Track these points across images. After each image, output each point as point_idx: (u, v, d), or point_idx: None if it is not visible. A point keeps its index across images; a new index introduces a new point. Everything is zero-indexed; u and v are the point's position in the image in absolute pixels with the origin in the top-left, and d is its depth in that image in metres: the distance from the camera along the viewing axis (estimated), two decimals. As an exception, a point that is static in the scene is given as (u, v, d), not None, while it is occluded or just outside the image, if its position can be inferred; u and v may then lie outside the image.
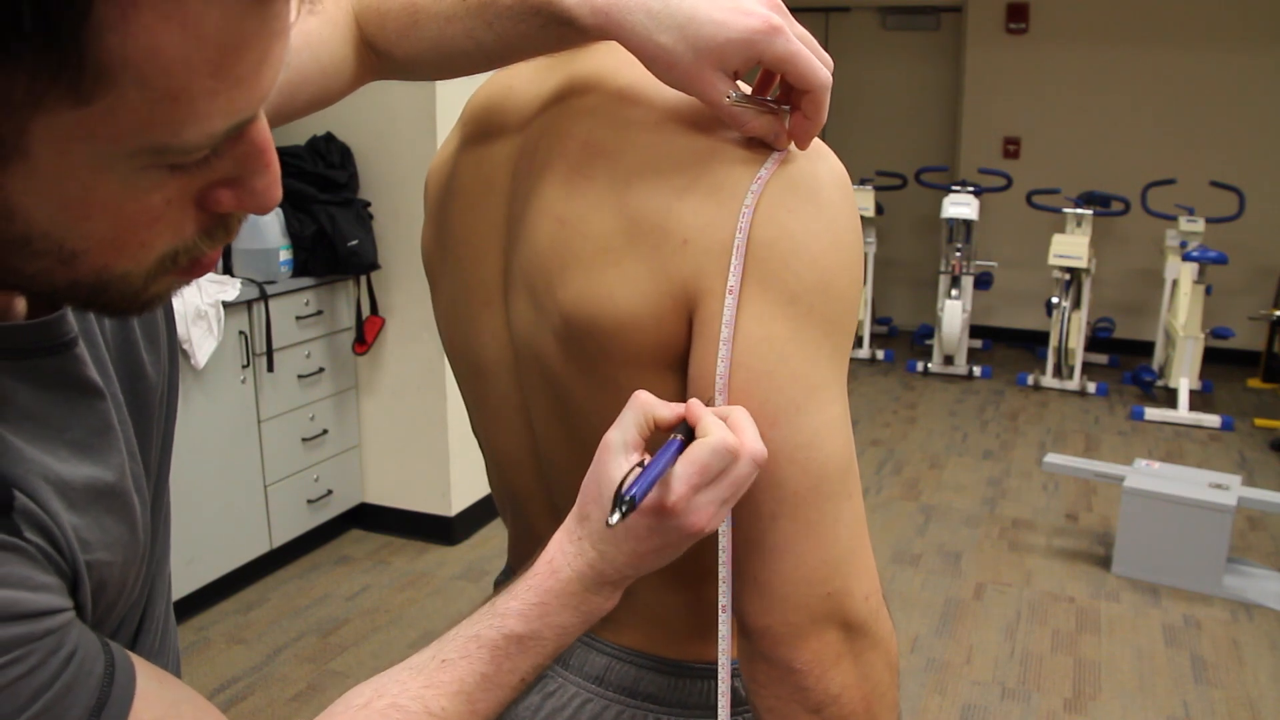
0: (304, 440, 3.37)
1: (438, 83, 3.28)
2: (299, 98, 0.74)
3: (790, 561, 0.62)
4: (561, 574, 0.63)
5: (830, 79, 0.61)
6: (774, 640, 0.63)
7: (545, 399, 0.72)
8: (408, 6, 0.71)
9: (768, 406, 0.60)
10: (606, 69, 0.69)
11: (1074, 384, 5.50)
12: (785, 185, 0.61)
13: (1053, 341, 5.51)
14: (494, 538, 3.67)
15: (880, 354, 6.14)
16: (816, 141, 0.64)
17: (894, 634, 0.67)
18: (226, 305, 2.98)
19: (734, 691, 0.77)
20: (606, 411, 0.68)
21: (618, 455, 0.60)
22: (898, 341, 6.67)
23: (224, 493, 3.07)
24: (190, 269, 0.49)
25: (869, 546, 0.64)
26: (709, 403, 0.62)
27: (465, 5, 0.67)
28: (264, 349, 3.15)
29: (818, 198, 0.62)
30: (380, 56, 0.76)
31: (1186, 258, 5.12)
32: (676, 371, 0.65)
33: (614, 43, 0.70)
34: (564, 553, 0.63)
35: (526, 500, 0.82)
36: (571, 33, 0.64)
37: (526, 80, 0.76)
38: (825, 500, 0.62)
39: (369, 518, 3.71)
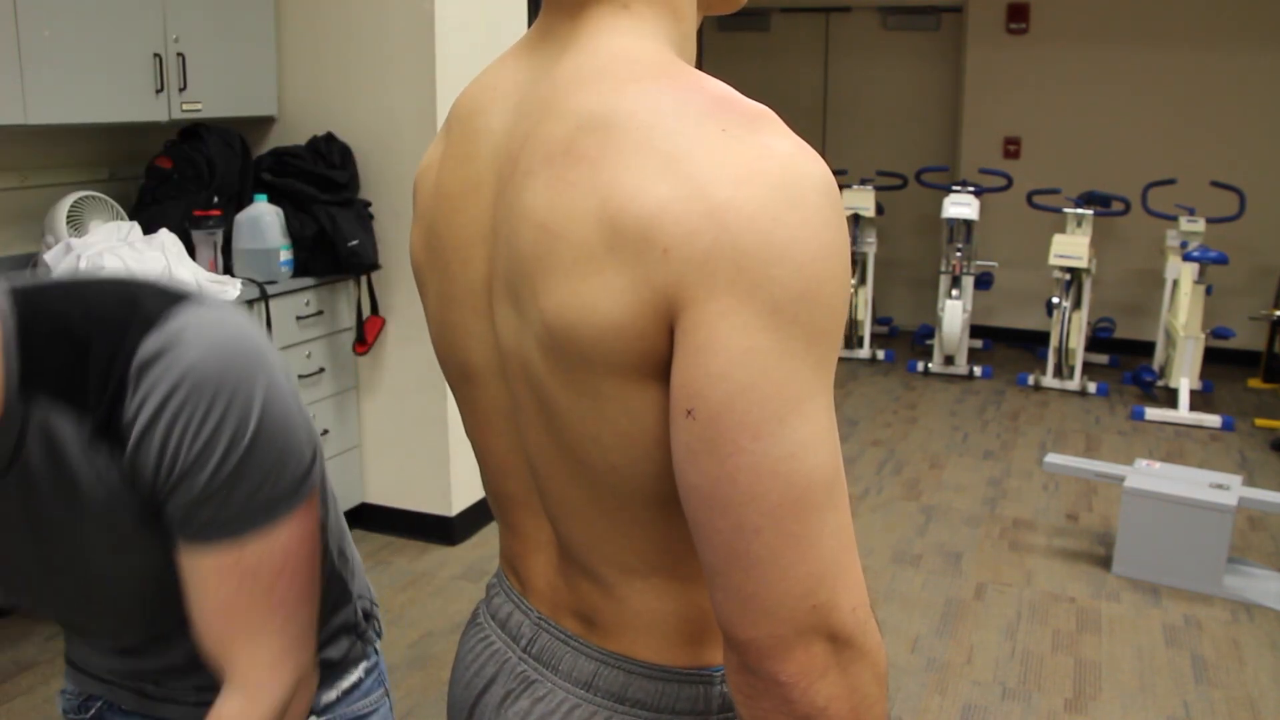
0: (304, 440, 3.37)
1: (438, 83, 3.28)
2: None
3: (775, 574, 0.61)
4: None
5: None
6: (760, 653, 0.63)
7: (531, 404, 0.72)
8: None
9: (750, 419, 0.60)
10: (591, 71, 0.68)
11: (1074, 384, 5.51)
12: (769, 191, 0.60)
13: (1053, 341, 5.51)
14: (494, 538, 3.67)
15: (881, 354, 6.14)
16: (802, 145, 0.63)
17: (882, 645, 0.66)
18: (227, 305, 2.98)
19: (723, 697, 0.77)
20: (589, 419, 0.68)
21: None
22: (898, 341, 6.67)
23: (225, 493, 3.07)
24: None
25: (856, 558, 0.64)
26: (687, 414, 0.61)
27: None
28: (264, 349, 3.15)
29: (802, 204, 0.61)
30: None
31: (1187, 258, 5.12)
32: (659, 381, 0.64)
33: (598, 45, 0.69)
34: None
35: (516, 504, 0.82)
36: None
37: (510, 82, 0.75)
38: (810, 512, 0.61)
39: (370, 518, 3.71)
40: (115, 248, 2.84)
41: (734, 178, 0.60)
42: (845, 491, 0.64)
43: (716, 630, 0.77)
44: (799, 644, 0.62)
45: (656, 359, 0.64)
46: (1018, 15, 6.23)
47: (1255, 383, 5.71)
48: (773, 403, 0.59)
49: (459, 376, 0.81)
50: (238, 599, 0.84)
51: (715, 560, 0.63)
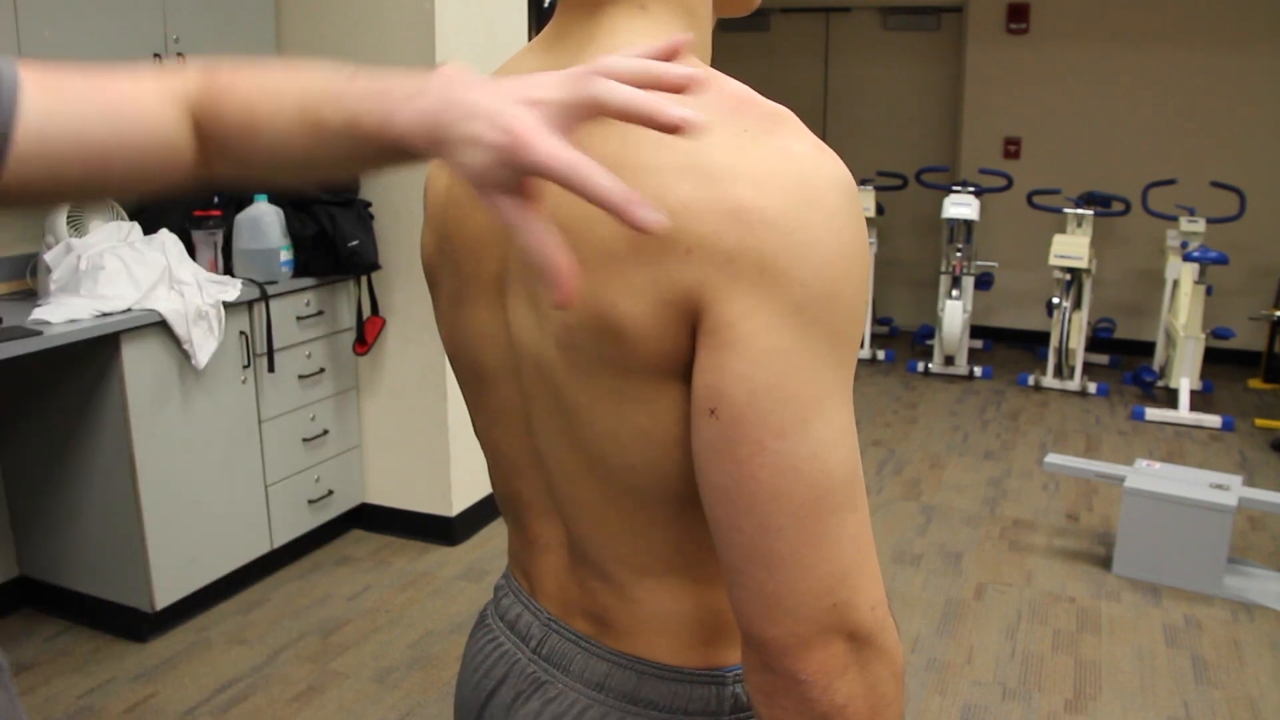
0: (305, 440, 3.37)
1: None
2: (111, 167, 0.71)
3: (796, 573, 0.61)
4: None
5: (614, 193, 0.52)
6: (779, 651, 0.63)
7: (546, 403, 0.72)
8: (245, 114, 0.69)
9: (773, 420, 0.60)
10: None
11: (1075, 384, 5.51)
12: (790, 192, 0.61)
13: (1053, 342, 5.51)
14: (494, 538, 3.67)
15: (881, 354, 6.14)
16: (822, 145, 0.64)
17: (899, 644, 0.67)
18: (227, 305, 2.98)
19: (736, 697, 0.77)
20: (608, 418, 0.68)
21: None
22: (898, 341, 6.67)
23: (225, 493, 3.07)
24: None
25: (875, 557, 0.64)
26: (710, 413, 0.62)
27: (301, 124, 0.66)
28: (265, 349, 3.15)
29: (823, 205, 0.61)
30: (211, 153, 0.74)
31: (1187, 258, 5.12)
32: (680, 380, 0.65)
33: (616, 46, 0.70)
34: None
35: (527, 505, 0.82)
36: (411, 157, 0.63)
37: None
38: (831, 512, 0.61)
39: (370, 518, 3.71)
40: (115, 248, 2.84)
41: (755, 179, 0.61)
42: (864, 491, 0.64)
43: (730, 630, 0.77)
44: (819, 642, 0.62)
45: (677, 358, 0.64)
46: (1018, 15, 6.23)
47: (1255, 383, 5.71)
48: (795, 403, 0.60)
49: (471, 377, 0.81)
50: None
51: (736, 560, 0.63)
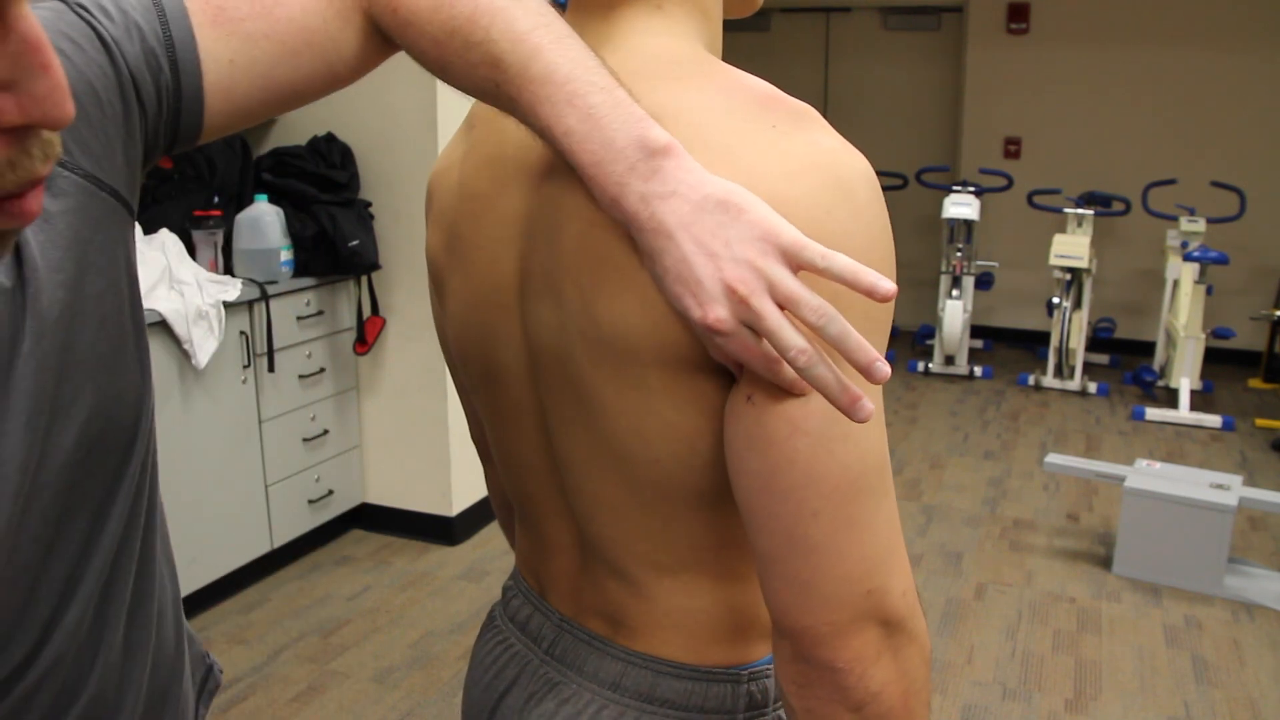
0: (305, 440, 3.37)
1: (439, 83, 3.27)
2: (305, 95, 0.72)
3: (832, 559, 0.62)
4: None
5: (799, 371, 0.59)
6: (816, 640, 0.63)
7: (567, 402, 0.72)
8: (438, 59, 0.69)
9: (809, 404, 0.61)
10: (630, 71, 0.68)
11: (1075, 384, 5.50)
12: (820, 185, 0.62)
13: (1054, 342, 5.51)
14: (495, 538, 3.67)
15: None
16: (845, 141, 0.65)
17: (927, 629, 0.67)
18: (227, 305, 2.98)
19: (751, 695, 0.77)
20: (634, 413, 0.68)
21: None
22: (899, 341, 6.67)
23: (225, 493, 3.07)
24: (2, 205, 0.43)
25: (903, 543, 0.65)
26: (747, 400, 0.62)
27: (488, 85, 0.66)
28: (265, 349, 3.15)
29: (852, 198, 0.62)
30: (393, 46, 0.74)
31: (1187, 258, 5.12)
32: (706, 373, 0.65)
33: (634, 45, 0.70)
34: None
35: (539, 505, 0.82)
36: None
37: None
38: (865, 497, 0.62)
39: (370, 518, 3.71)
40: (115, 248, 2.84)
41: (785, 172, 0.62)
42: (892, 479, 0.65)
43: (746, 628, 0.77)
44: (853, 630, 0.63)
45: (705, 350, 0.64)
46: (1018, 15, 6.23)
47: (1256, 383, 5.71)
48: None
49: (482, 378, 0.80)
50: None
51: (772, 547, 0.64)
